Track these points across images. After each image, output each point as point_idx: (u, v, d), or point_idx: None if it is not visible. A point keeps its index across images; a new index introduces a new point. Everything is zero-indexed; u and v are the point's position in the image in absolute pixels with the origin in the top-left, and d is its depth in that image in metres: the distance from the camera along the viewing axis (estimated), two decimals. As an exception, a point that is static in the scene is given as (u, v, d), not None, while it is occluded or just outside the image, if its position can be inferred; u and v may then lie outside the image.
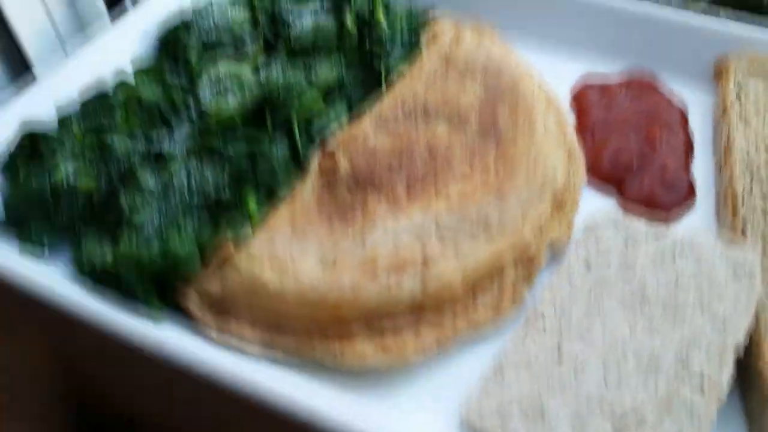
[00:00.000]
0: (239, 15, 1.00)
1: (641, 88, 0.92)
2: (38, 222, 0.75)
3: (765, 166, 0.80)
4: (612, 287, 0.68)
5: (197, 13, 1.00)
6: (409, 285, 0.65)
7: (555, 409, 0.60)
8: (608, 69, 0.96)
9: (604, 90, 0.92)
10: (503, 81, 0.86)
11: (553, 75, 0.93)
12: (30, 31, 0.89)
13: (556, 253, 0.75)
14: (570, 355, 0.63)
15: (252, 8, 1.02)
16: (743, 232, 0.73)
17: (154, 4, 0.98)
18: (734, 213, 0.76)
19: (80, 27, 0.97)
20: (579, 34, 0.98)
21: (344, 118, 0.86)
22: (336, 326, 0.65)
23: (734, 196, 0.77)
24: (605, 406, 0.59)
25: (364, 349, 0.64)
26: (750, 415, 0.62)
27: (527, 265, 0.72)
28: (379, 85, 0.91)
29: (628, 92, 0.92)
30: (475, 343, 0.69)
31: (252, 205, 0.74)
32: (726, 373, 0.60)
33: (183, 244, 0.69)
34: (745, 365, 0.63)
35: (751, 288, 0.65)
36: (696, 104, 0.92)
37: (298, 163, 0.81)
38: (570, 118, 0.90)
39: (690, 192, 0.81)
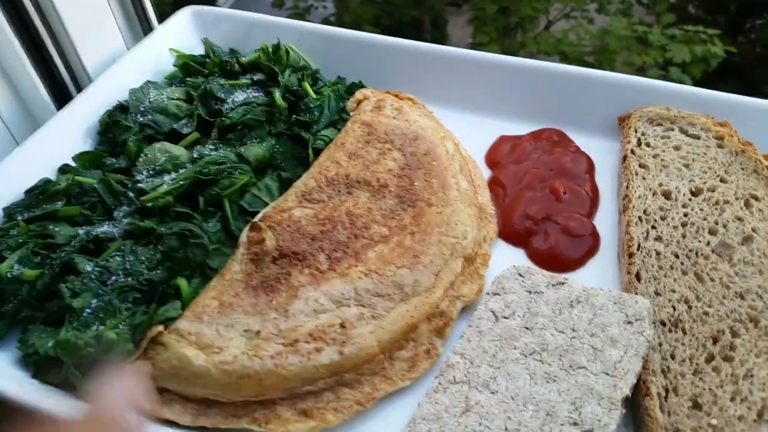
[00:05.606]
0: (174, 94, 1.06)
1: (550, 142, 0.99)
2: (-15, 311, 0.80)
3: (659, 211, 0.86)
4: (516, 337, 0.73)
5: (133, 93, 1.06)
6: (328, 352, 0.71)
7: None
8: (523, 129, 1.02)
9: (515, 145, 0.98)
10: (420, 146, 0.93)
11: (471, 137, 1.00)
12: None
13: (468, 305, 0.81)
14: (476, 405, 0.68)
15: (186, 86, 1.08)
16: (638, 276, 0.80)
17: (98, 91, 1.03)
18: (630, 256, 0.82)
19: (28, 117, 1.03)
20: (494, 99, 1.04)
21: (275, 191, 0.92)
22: (259, 395, 0.70)
23: (630, 240, 0.83)
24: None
25: (286, 416, 0.69)
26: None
27: (440, 320, 0.78)
28: (307, 154, 0.97)
29: (538, 146, 0.98)
30: (396, 397, 0.74)
31: (183, 284, 0.79)
32: (615, 417, 0.65)
33: (116, 327, 0.73)
34: (635, 402, 0.69)
35: (641, 334, 0.71)
36: (602, 154, 0.98)
37: (231, 238, 0.86)
38: (485, 175, 0.96)
39: (594, 240, 0.87)
